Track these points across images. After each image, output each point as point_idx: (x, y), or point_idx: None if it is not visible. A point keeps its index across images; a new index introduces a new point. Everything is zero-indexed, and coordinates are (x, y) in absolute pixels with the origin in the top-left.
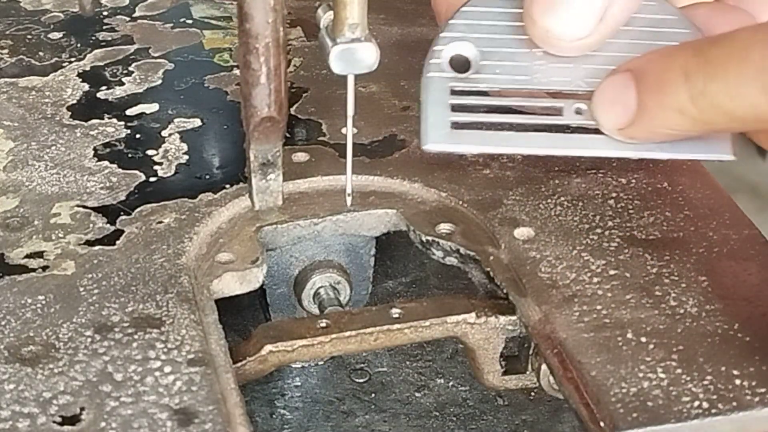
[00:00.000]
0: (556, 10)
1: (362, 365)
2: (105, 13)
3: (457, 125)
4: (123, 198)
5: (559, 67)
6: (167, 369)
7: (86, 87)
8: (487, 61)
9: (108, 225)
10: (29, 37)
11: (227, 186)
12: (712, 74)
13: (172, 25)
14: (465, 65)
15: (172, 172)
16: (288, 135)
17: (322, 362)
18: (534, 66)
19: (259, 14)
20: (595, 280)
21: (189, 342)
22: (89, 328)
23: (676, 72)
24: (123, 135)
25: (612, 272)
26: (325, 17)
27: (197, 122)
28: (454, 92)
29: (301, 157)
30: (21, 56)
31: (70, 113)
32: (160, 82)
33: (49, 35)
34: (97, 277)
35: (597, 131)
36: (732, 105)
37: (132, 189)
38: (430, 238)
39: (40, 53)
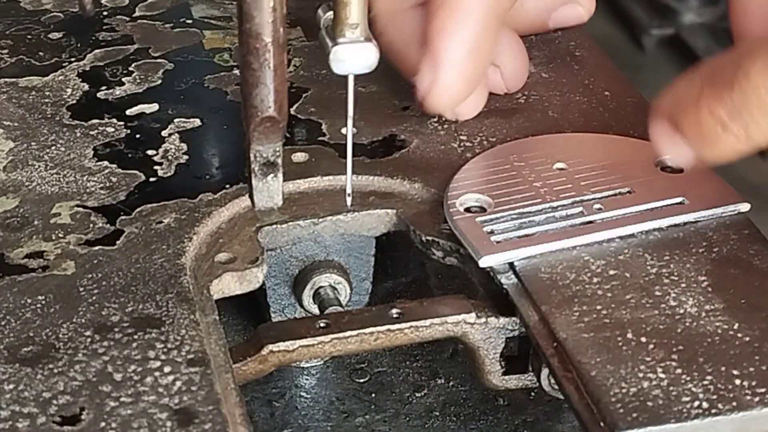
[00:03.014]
0: (433, 89)
1: (362, 365)
2: (105, 13)
3: (500, 242)
4: (123, 198)
5: (560, 189)
6: (167, 369)
7: (86, 87)
8: (500, 204)
9: (108, 225)
10: (29, 37)
11: (227, 186)
12: (747, 122)
13: (172, 25)
14: (481, 211)
15: (172, 172)
16: (288, 135)
17: (322, 362)
18: (540, 191)
19: (259, 14)
20: (595, 280)
21: (189, 342)
22: (89, 328)
23: (712, 125)
24: (123, 135)
25: (612, 272)
26: (325, 17)
27: (197, 122)
28: (483, 223)
29: (301, 157)
30: (21, 56)
31: (70, 113)
32: (160, 82)
33: (49, 35)
34: (97, 277)
35: (623, 216)
36: None
37: (132, 189)
38: (430, 238)
39: (40, 53)
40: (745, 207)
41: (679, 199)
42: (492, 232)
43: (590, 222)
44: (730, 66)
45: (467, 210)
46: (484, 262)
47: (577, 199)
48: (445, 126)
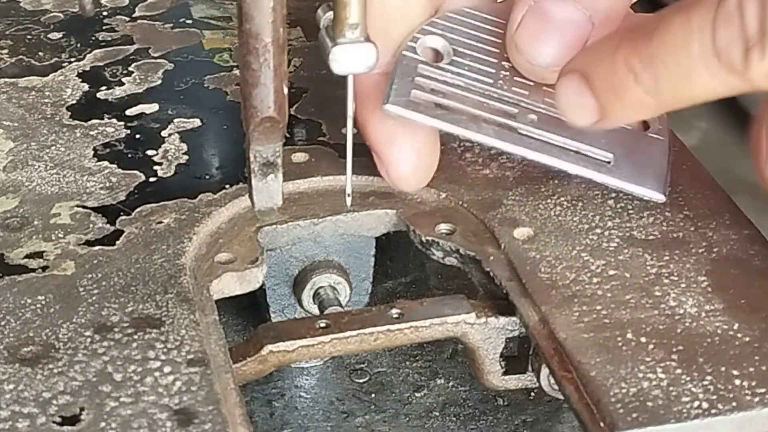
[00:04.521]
0: (540, 41)
1: (362, 365)
2: (105, 13)
3: (417, 101)
4: (123, 198)
5: (521, 82)
6: (167, 369)
7: (86, 87)
8: (457, 59)
9: (108, 225)
10: (29, 37)
11: (227, 186)
12: (659, 72)
13: (172, 25)
14: (437, 57)
15: (172, 172)
16: (288, 135)
17: (321, 362)
18: (500, 74)
19: (259, 14)
20: (595, 280)
21: (189, 342)
22: (89, 328)
23: (624, 74)
24: (123, 135)
25: (612, 272)
26: (325, 17)
27: (197, 122)
28: (420, 74)
29: (300, 157)
30: (21, 56)
31: (69, 113)
32: (159, 82)
33: (49, 35)
34: (97, 278)
35: (545, 141)
36: (688, 93)
37: (132, 189)
38: (429, 239)
39: (40, 53)
40: (659, 198)
41: (607, 156)
42: (418, 86)
43: (512, 129)
44: (652, 20)
45: (424, 51)
46: (388, 108)
47: (522, 100)
48: None
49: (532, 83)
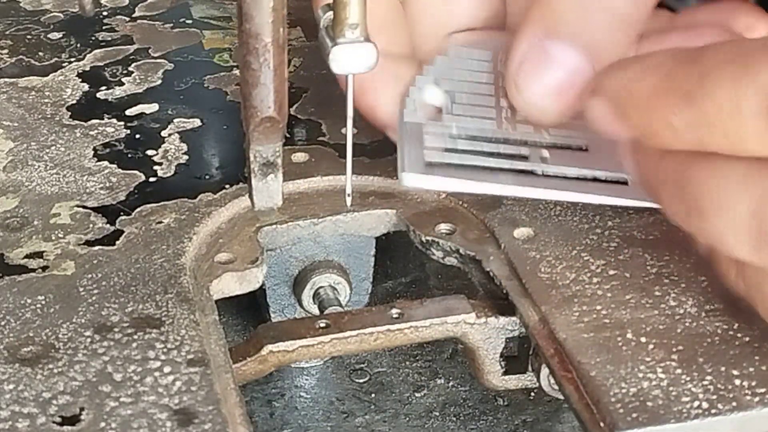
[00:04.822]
0: (540, 82)
1: (362, 365)
2: (105, 13)
3: (431, 164)
4: (123, 198)
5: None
6: (167, 369)
7: (86, 87)
8: (457, 105)
9: (108, 225)
10: (29, 37)
11: (227, 186)
12: (699, 137)
13: (172, 25)
14: (437, 111)
15: (172, 172)
16: (288, 135)
17: (321, 362)
18: (501, 111)
19: (259, 14)
20: (595, 280)
21: (188, 342)
22: (89, 328)
23: (662, 129)
24: (123, 135)
25: (612, 272)
26: (325, 17)
27: (197, 122)
28: (427, 133)
29: (300, 157)
30: (21, 56)
31: (69, 113)
32: (159, 82)
33: (49, 35)
34: (97, 278)
35: (563, 177)
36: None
37: (132, 189)
38: (429, 238)
39: (40, 53)
40: None
41: (623, 177)
42: (429, 146)
43: (529, 172)
44: (694, 72)
45: (424, 108)
46: (405, 179)
47: (529, 138)
48: None
49: None
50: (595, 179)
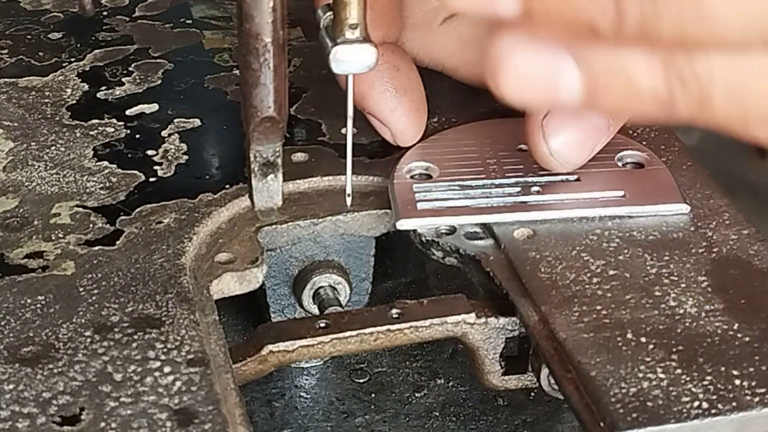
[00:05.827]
0: (563, 136)
1: (362, 365)
2: (105, 13)
3: (424, 208)
4: (123, 198)
5: (512, 166)
6: (167, 369)
7: (86, 87)
8: (446, 172)
9: (108, 225)
10: (29, 37)
11: (227, 186)
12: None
13: (172, 25)
14: (427, 178)
15: (172, 172)
16: (288, 135)
17: (321, 362)
18: (489, 169)
19: (259, 14)
20: (595, 280)
21: (188, 342)
22: (89, 328)
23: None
24: (123, 135)
25: (612, 272)
26: (325, 17)
27: (197, 122)
28: (417, 191)
29: (300, 157)
30: (21, 56)
31: (69, 113)
32: (159, 82)
33: (49, 35)
34: (97, 278)
35: (557, 201)
36: None
37: (132, 189)
38: (430, 238)
39: (40, 53)
40: (685, 208)
41: (620, 193)
42: (421, 200)
43: (522, 202)
44: None
45: (412, 177)
46: (400, 225)
47: (521, 180)
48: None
49: (521, 165)
50: (591, 199)
